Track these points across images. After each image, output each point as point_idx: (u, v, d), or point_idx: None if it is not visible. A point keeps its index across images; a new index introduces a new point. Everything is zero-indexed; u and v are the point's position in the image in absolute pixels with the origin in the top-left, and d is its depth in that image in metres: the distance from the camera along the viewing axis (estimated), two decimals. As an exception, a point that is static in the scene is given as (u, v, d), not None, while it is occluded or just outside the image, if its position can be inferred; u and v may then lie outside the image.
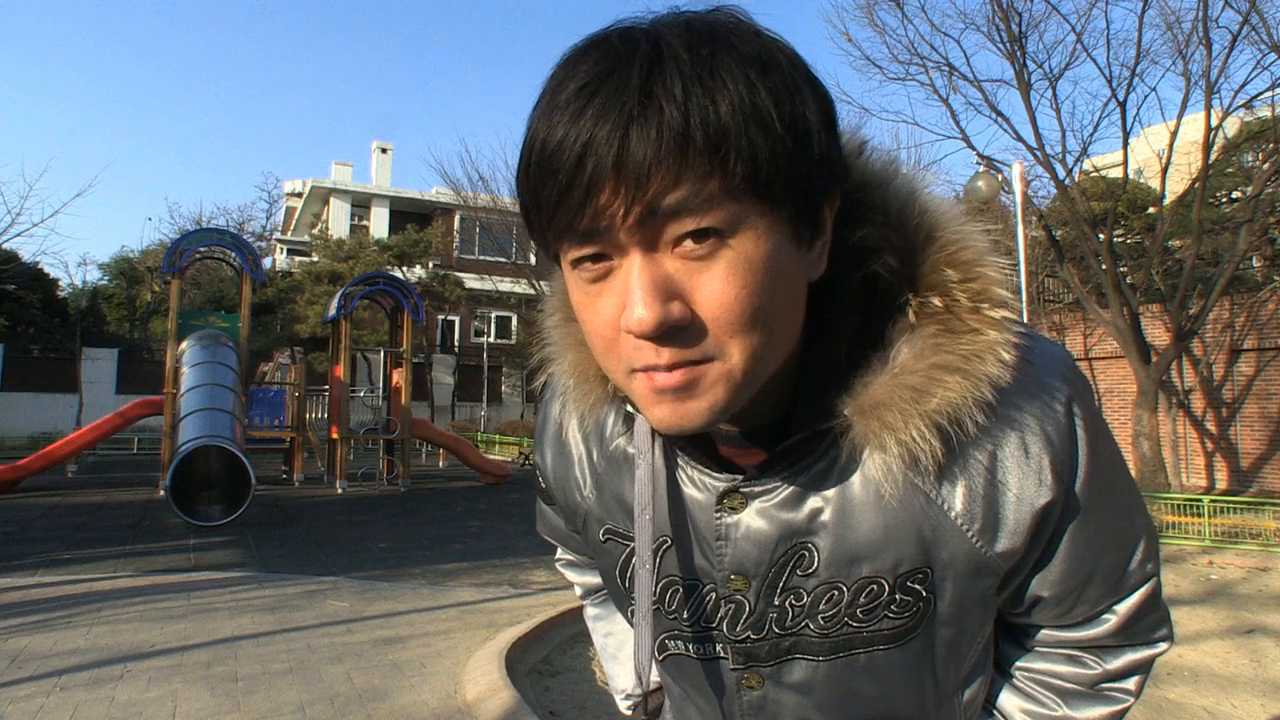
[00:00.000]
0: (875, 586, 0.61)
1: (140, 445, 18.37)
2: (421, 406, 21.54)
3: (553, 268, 0.59)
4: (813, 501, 0.60)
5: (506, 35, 72.26)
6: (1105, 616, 0.67)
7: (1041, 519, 0.60)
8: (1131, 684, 0.70)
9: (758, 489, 0.61)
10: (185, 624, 4.64)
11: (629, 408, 0.66)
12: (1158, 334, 12.92)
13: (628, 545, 0.70)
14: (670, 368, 0.50)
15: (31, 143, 62.37)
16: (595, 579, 0.96)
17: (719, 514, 0.63)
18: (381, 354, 15.88)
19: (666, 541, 0.66)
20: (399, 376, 13.06)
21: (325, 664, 3.97)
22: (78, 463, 13.45)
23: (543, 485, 0.82)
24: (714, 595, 0.66)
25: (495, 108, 68.46)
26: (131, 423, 12.15)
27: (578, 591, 1.00)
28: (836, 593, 0.61)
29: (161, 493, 9.67)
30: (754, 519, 0.62)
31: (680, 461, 0.65)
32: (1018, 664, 0.73)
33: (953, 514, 0.59)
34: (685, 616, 0.68)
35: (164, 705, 3.39)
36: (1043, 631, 0.70)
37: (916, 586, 0.61)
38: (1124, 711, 0.70)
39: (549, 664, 4.36)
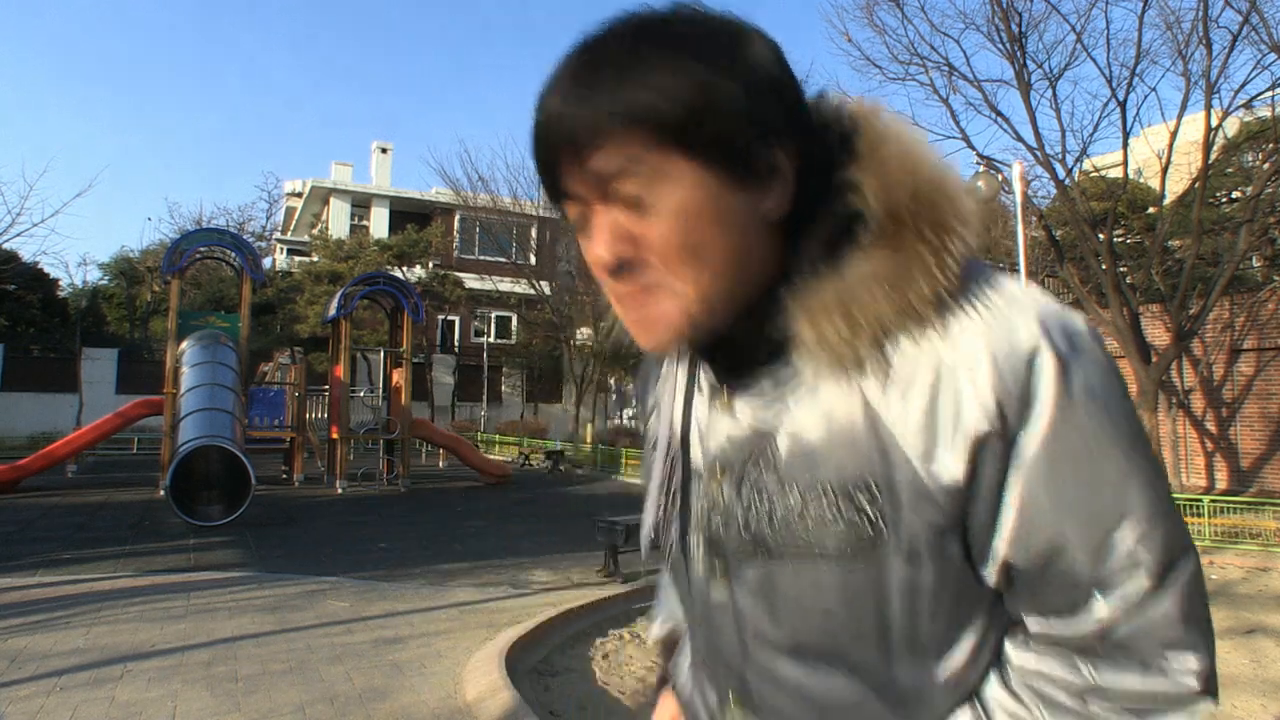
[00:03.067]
0: (826, 497, 0.63)
1: (140, 445, 18.39)
2: (421, 406, 21.53)
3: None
4: (779, 404, 0.67)
5: (508, 36, 72.34)
6: (1086, 608, 0.60)
7: (977, 450, 0.58)
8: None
9: (739, 388, 0.69)
10: (185, 624, 4.64)
11: None
12: (1158, 334, 12.93)
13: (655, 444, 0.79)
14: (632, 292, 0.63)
15: (32, 142, 62.37)
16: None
17: (712, 411, 0.71)
18: (381, 354, 15.91)
19: (678, 436, 0.75)
20: (399, 376, 13.07)
21: (325, 664, 3.97)
22: (78, 463, 13.47)
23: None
24: (699, 487, 0.72)
25: (496, 108, 68.49)
26: (131, 423, 12.17)
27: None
28: (793, 495, 0.65)
29: (161, 493, 9.67)
30: (734, 415, 0.69)
31: (699, 369, 0.74)
32: (1011, 658, 0.66)
33: (892, 425, 0.61)
34: (678, 508, 0.75)
35: (164, 705, 3.40)
36: (1029, 620, 0.64)
37: (865, 507, 0.61)
38: None
39: (549, 664, 4.36)
